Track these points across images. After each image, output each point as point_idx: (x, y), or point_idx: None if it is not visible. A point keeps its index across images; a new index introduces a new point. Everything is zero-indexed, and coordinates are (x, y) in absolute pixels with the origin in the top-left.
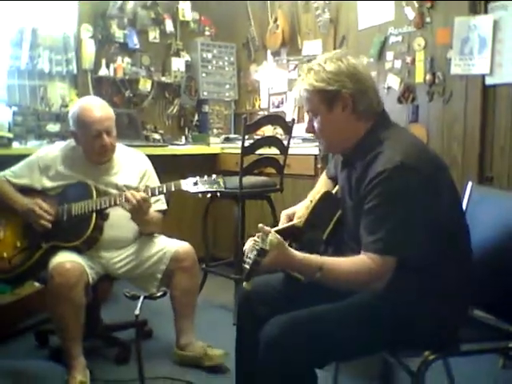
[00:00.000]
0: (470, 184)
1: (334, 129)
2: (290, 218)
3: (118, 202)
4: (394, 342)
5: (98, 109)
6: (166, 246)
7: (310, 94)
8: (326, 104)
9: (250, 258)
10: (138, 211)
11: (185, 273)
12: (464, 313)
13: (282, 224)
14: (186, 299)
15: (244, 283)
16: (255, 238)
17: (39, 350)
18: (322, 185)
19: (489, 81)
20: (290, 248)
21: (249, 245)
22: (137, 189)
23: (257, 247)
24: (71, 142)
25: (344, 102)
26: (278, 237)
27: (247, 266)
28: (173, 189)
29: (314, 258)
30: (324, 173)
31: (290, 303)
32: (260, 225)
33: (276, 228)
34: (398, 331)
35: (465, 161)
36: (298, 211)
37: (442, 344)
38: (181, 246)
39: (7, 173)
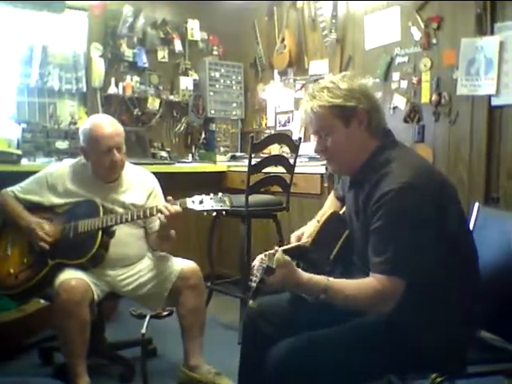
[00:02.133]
0: (476, 205)
1: (349, 146)
2: (300, 239)
3: (123, 220)
4: (400, 365)
5: (109, 125)
6: (172, 264)
7: (326, 112)
8: (342, 120)
9: (256, 276)
10: (172, 224)
11: (191, 291)
12: (472, 334)
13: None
14: (193, 318)
15: (250, 302)
16: (262, 256)
17: (43, 368)
18: (329, 205)
19: (495, 102)
20: (297, 268)
21: (256, 263)
22: (171, 202)
23: (264, 265)
24: (81, 159)
25: (360, 118)
26: (286, 256)
27: (254, 285)
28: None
29: (321, 279)
30: (332, 193)
31: (296, 323)
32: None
33: (284, 247)
34: (405, 354)
35: (471, 182)
36: (306, 231)
37: (449, 366)
38: (186, 265)
39: (15, 188)
